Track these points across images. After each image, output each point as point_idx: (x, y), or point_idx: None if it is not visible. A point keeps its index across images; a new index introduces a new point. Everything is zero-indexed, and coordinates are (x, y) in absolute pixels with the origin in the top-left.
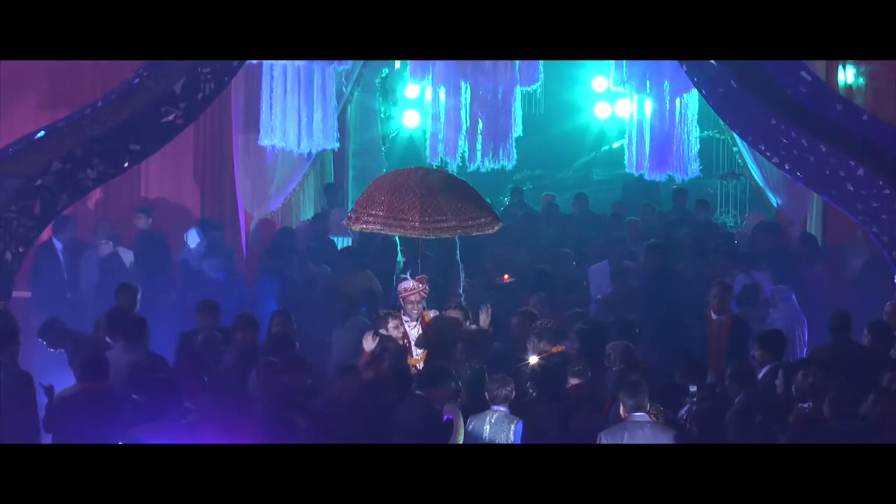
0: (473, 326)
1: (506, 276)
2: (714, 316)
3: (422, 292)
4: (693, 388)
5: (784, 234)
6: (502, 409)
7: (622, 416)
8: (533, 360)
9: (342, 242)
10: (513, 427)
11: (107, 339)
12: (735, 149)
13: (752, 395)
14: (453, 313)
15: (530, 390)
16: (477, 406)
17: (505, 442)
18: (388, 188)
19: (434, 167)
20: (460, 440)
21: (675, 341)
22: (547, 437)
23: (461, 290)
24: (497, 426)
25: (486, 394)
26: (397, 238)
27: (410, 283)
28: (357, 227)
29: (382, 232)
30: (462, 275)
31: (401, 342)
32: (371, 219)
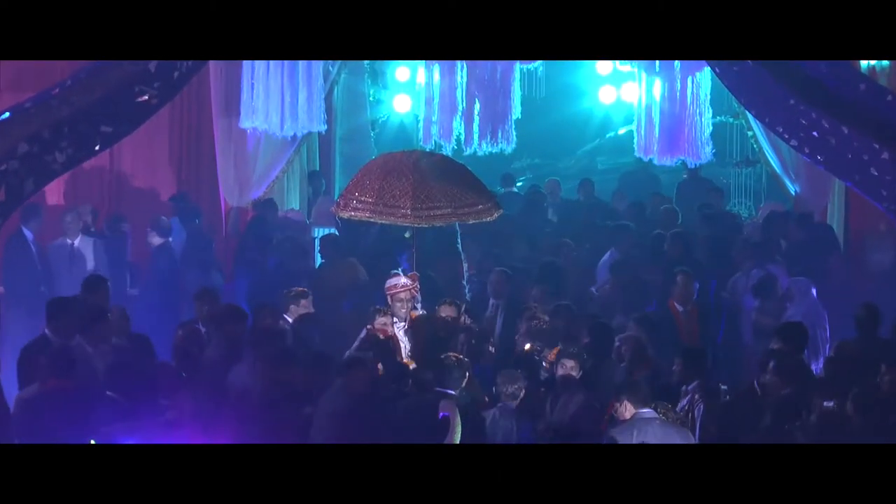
0: (469, 321)
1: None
2: (679, 308)
3: (412, 290)
4: (724, 387)
5: (799, 223)
6: (509, 405)
7: (626, 415)
8: (528, 346)
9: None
10: (513, 424)
11: (46, 331)
12: (750, 133)
13: (803, 392)
14: (447, 310)
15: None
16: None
17: (501, 438)
18: (378, 173)
19: (428, 150)
20: (457, 438)
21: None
22: (538, 422)
23: (465, 283)
24: (498, 424)
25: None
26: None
27: (401, 280)
28: (345, 215)
29: (371, 220)
30: (465, 265)
31: (389, 340)
32: (360, 206)
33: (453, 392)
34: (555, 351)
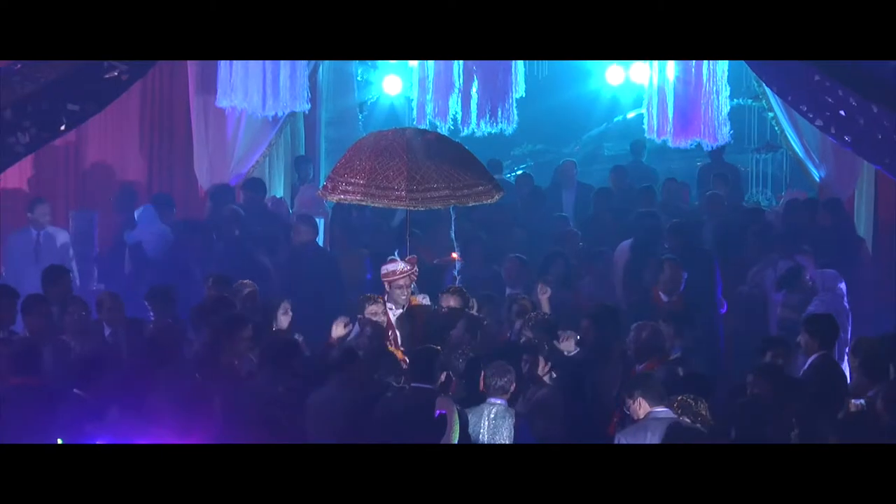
0: (474, 312)
1: (454, 255)
2: (664, 298)
3: (411, 275)
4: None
5: (825, 211)
6: (500, 401)
7: (640, 413)
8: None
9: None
10: (513, 422)
11: None
12: (771, 114)
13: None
14: (451, 300)
15: None
16: (474, 399)
17: (506, 438)
18: (369, 152)
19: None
20: (455, 437)
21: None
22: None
23: (456, 272)
24: (497, 422)
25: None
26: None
27: (399, 265)
28: (334, 198)
29: (363, 203)
30: (458, 253)
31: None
32: (350, 188)
33: (430, 386)
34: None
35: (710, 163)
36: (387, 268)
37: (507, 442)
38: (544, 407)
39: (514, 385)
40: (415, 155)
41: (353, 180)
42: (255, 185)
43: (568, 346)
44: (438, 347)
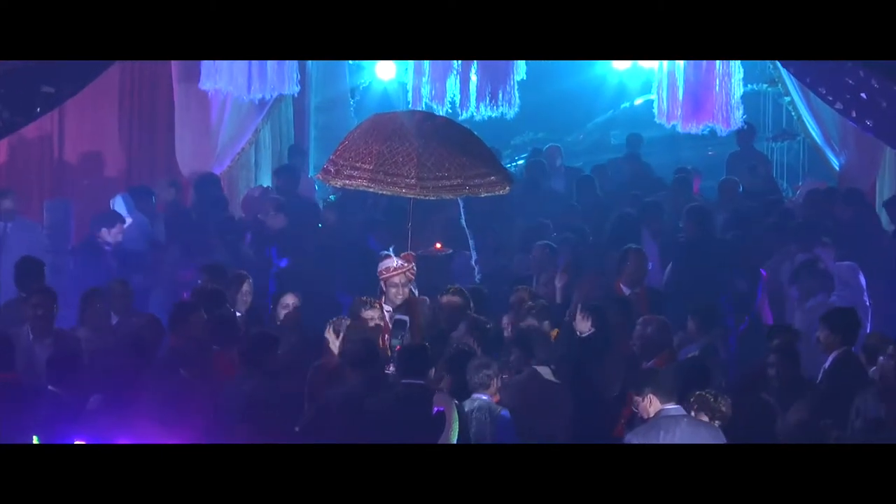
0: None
1: (438, 245)
2: (626, 290)
3: (408, 272)
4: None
5: (846, 201)
6: (483, 397)
7: (650, 411)
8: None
9: None
10: (496, 418)
11: None
12: (787, 98)
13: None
14: (452, 299)
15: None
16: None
17: (488, 435)
18: (376, 135)
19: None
20: (454, 435)
21: None
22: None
23: (473, 263)
24: (478, 417)
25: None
26: None
27: (394, 262)
28: (338, 183)
29: (370, 189)
30: (472, 242)
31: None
32: (355, 173)
33: (421, 382)
34: (554, 332)
35: (739, 151)
36: (382, 265)
37: (489, 438)
38: (519, 392)
39: (496, 380)
40: (425, 140)
41: (358, 164)
42: (288, 173)
43: (583, 327)
44: (427, 343)
